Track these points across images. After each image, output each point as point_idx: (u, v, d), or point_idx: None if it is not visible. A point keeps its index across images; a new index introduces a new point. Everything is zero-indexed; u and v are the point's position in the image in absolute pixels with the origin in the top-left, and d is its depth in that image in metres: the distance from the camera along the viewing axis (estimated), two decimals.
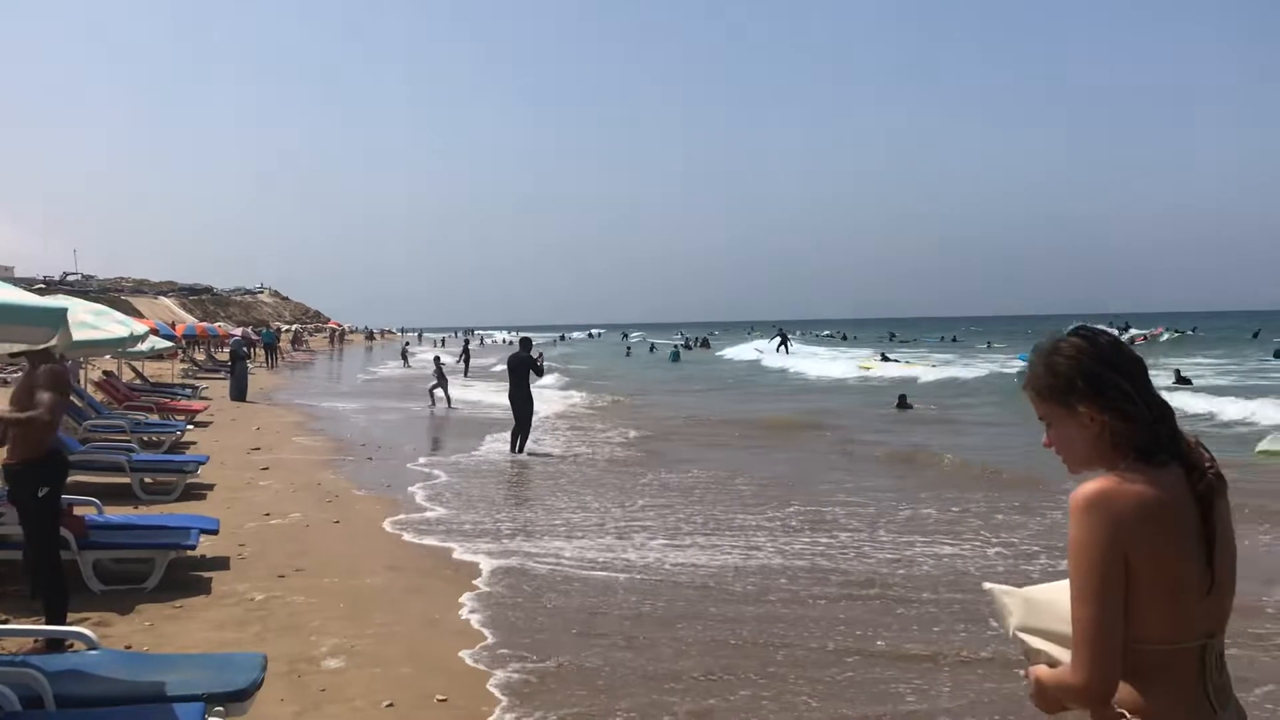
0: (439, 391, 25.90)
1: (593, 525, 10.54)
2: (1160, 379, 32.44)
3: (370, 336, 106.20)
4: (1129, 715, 2.05)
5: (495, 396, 24.79)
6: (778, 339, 62.14)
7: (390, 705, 5.47)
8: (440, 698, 5.59)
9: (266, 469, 14.14)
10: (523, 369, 16.90)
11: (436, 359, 28.37)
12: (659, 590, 7.99)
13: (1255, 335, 67.05)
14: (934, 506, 11.58)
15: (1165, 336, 67.54)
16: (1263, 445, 15.85)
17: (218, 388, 28.99)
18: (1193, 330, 78.39)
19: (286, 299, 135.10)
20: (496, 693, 5.68)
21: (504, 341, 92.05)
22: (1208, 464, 2.10)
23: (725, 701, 5.61)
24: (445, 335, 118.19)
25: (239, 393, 26.64)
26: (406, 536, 9.79)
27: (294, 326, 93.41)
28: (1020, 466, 13.93)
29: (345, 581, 8.09)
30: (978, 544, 9.64)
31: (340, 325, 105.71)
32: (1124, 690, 2.06)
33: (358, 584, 8.04)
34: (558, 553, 9.26)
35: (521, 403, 16.74)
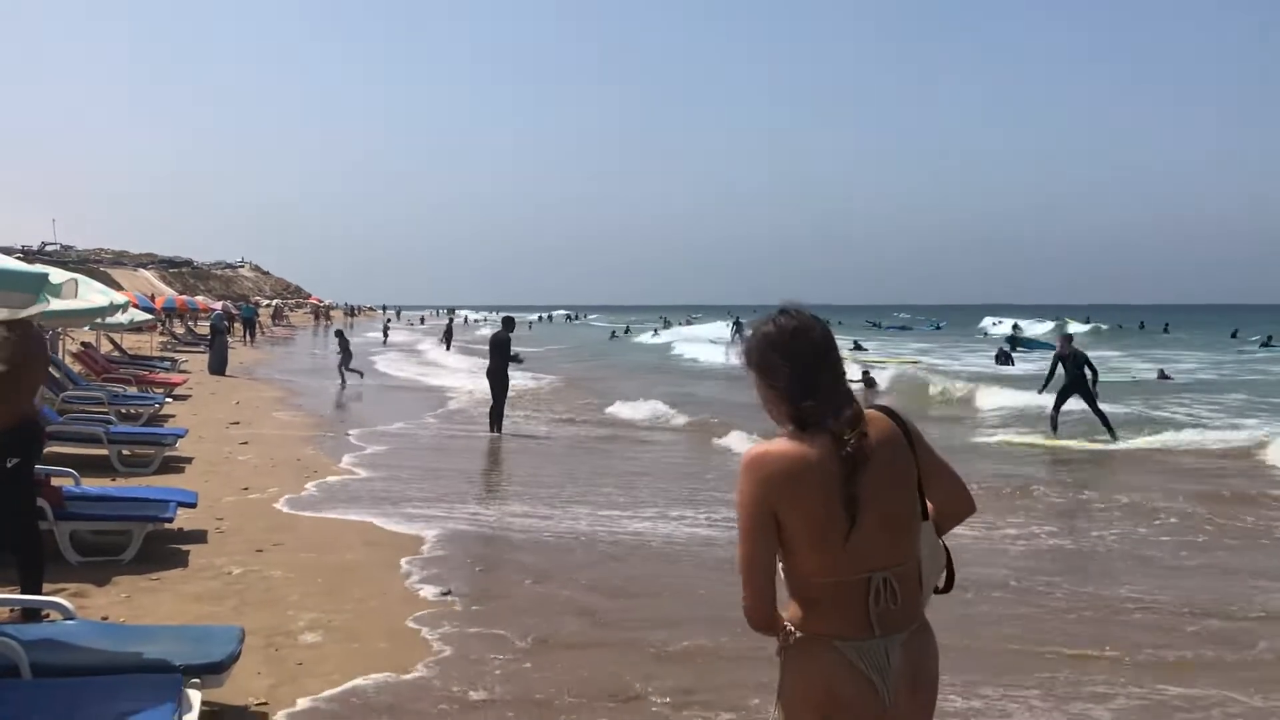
0: (348, 370, 25.42)
1: (571, 499, 10.57)
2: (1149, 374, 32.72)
3: (350, 313, 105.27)
4: (795, 630, 2.47)
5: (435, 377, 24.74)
6: (733, 327, 61.75)
7: (366, 680, 5.47)
8: (418, 673, 5.61)
9: (245, 443, 14.10)
10: (502, 349, 16.90)
11: (339, 333, 28.23)
12: (641, 558, 8.03)
13: (1234, 335, 67.56)
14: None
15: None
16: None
17: (197, 361, 28.88)
18: (1162, 327, 78.97)
19: (267, 274, 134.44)
20: (474, 668, 5.70)
21: (473, 321, 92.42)
22: (851, 437, 2.43)
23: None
24: (425, 313, 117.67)
25: (218, 366, 26.53)
26: (384, 514, 9.80)
27: (274, 302, 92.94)
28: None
29: (323, 557, 8.09)
30: None
31: (321, 301, 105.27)
32: (794, 610, 2.49)
33: (336, 559, 8.04)
34: (537, 528, 9.30)
35: (498, 382, 16.75)
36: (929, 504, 2.60)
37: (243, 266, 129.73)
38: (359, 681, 5.45)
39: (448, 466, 13.18)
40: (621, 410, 19.83)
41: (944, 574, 2.68)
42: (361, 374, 25.58)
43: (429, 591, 7.21)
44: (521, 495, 11.15)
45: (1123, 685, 5.63)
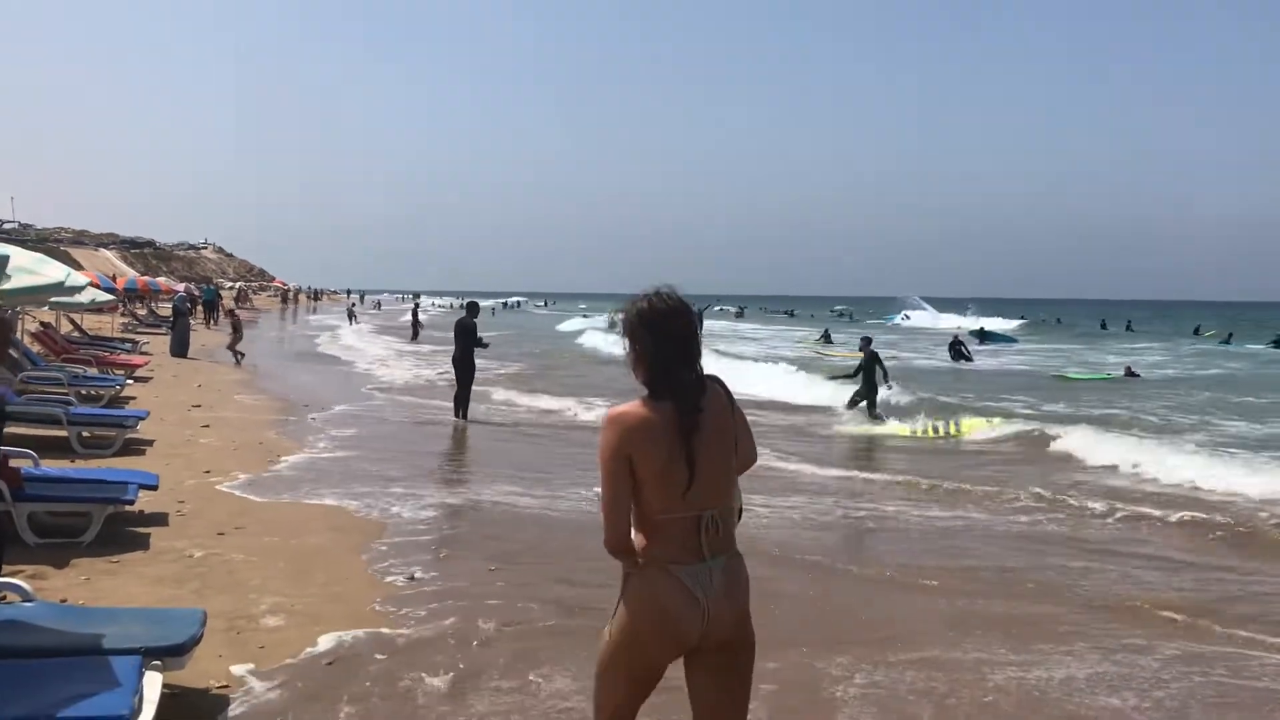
0: (235, 352, 25.85)
1: (538, 484, 10.56)
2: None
3: (314, 297, 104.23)
4: (640, 557, 3.05)
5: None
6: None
7: (330, 664, 5.47)
8: (380, 657, 5.60)
9: (208, 426, 13.97)
10: (468, 334, 16.82)
11: (231, 312, 28.40)
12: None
13: (1196, 331, 68.45)
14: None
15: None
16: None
17: (159, 343, 28.53)
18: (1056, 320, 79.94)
19: (231, 256, 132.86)
20: (439, 653, 5.69)
21: (442, 307, 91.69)
22: (691, 404, 3.00)
23: None
24: (380, 297, 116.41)
25: (180, 349, 26.25)
26: (348, 498, 9.74)
27: (238, 284, 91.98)
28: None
29: (286, 541, 8.04)
30: None
31: (287, 285, 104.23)
32: (640, 541, 3.06)
33: (299, 543, 7.99)
34: (504, 513, 9.29)
35: (463, 368, 16.67)
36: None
37: (206, 248, 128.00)
38: (322, 665, 5.44)
39: (413, 451, 13.13)
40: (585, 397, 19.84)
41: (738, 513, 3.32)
42: (243, 356, 25.76)
43: (394, 576, 7.19)
44: (488, 480, 11.12)
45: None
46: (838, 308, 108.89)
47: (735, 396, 3.23)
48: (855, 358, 20.66)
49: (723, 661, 3.12)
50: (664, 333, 3.07)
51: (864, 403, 18.19)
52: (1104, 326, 74.11)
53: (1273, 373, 34.27)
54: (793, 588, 7.28)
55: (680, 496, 3.00)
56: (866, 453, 15.03)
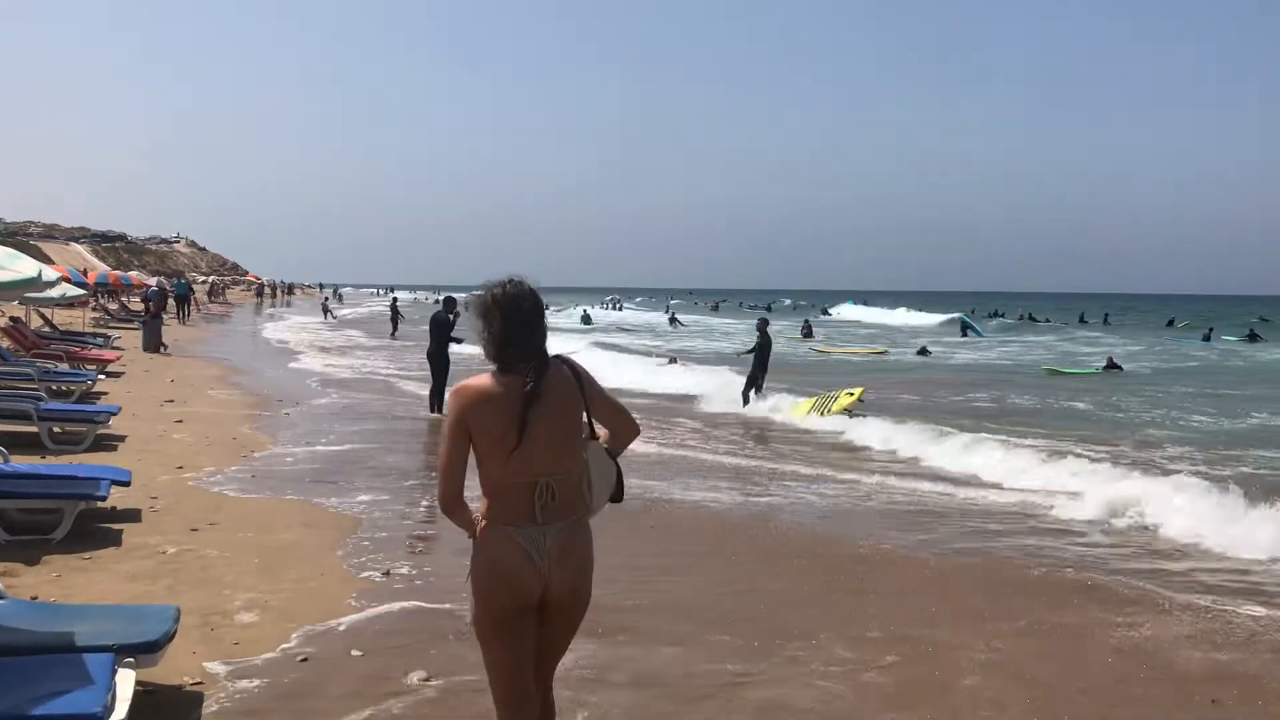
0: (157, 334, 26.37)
1: None
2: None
3: (288, 291, 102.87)
4: (481, 517, 3.32)
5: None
6: (583, 311, 62.15)
7: (304, 660, 5.45)
8: (356, 653, 5.58)
9: (181, 421, 13.87)
10: (443, 329, 16.75)
11: (145, 299, 28.66)
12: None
13: (1170, 324, 69.00)
14: None
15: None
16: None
17: (131, 338, 28.28)
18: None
19: (204, 250, 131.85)
20: (415, 649, 5.67)
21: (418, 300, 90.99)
22: (531, 378, 3.26)
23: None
24: (340, 290, 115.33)
25: (152, 343, 26.05)
26: (322, 493, 9.70)
27: (211, 278, 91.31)
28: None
29: (260, 536, 8.00)
30: None
31: (259, 278, 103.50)
32: (483, 505, 3.32)
33: (273, 539, 7.95)
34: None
35: (439, 363, 16.62)
36: (601, 430, 3.51)
37: (178, 241, 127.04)
38: (296, 661, 5.42)
39: (389, 446, 13.07)
40: None
41: (616, 486, 3.53)
42: (165, 348, 26.18)
43: (369, 571, 7.17)
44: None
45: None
46: (786, 301, 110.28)
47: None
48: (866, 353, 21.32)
49: (557, 620, 3.41)
50: (513, 315, 3.35)
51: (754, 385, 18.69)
52: (1083, 320, 74.68)
53: (1241, 364, 34.69)
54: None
55: (517, 463, 3.25)
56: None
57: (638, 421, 3.63)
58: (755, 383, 18.78)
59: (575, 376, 3.42)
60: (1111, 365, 30.50)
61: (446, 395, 3.18)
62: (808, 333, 46.87)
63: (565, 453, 3.34)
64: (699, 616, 6.49)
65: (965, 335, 51.25)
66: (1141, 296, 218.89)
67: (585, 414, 3.44)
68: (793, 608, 6.75)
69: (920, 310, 76.64)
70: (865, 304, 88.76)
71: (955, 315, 63.33)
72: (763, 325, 19.61)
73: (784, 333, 42.58)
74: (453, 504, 3.32)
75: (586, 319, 56.59)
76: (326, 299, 66.99)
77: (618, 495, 3.56)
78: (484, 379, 3.32)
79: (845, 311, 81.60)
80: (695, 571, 7.65)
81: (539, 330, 3.39)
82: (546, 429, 3.27)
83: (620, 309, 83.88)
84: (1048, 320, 72.21)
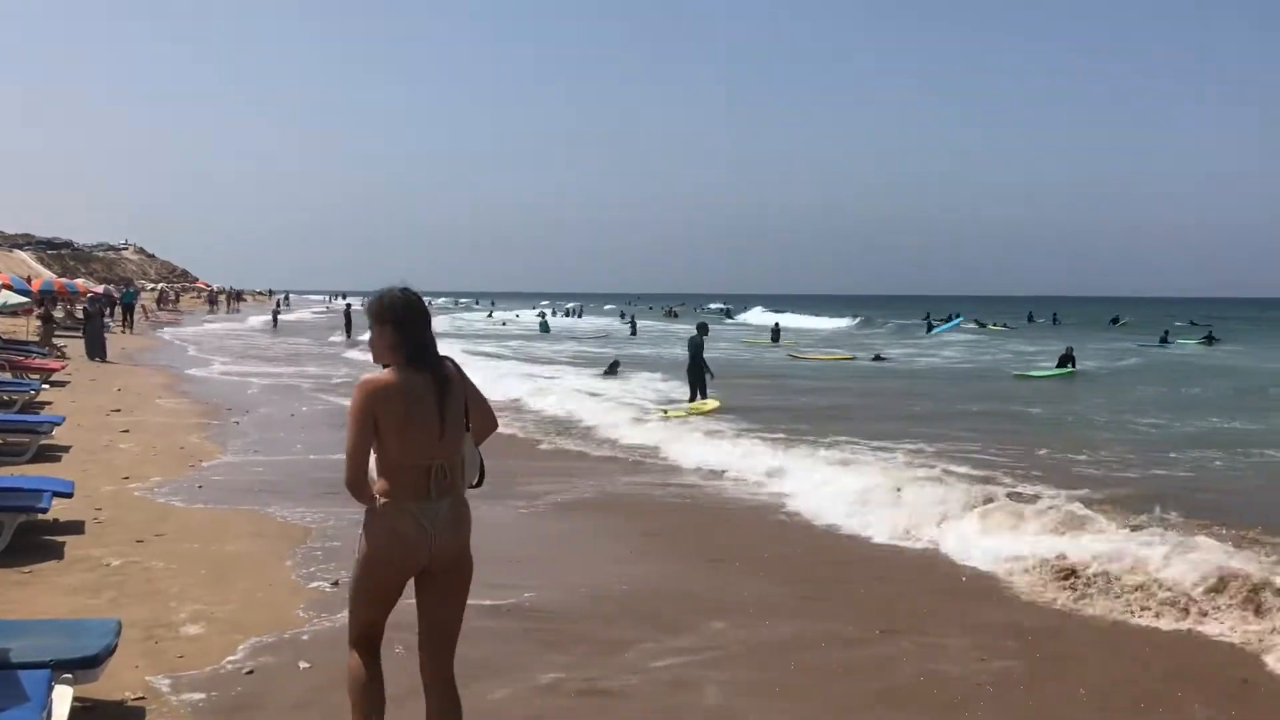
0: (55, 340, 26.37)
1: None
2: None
3: (238, 298, 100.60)
4: (380, 497, 3.75)
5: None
6: (542, 314, 61.52)
7: (250, 673, 5.35)
8: (304, 664, 5.49)
9: (127, 431, 13.65)
10: None
11: (40, 303, 28.45)
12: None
13: (1114, 322, 70.09)
14: None
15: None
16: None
17: (77, 347, 27.78)
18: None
19: (152, 257, 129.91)
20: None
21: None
22: (435, 374, 3.77)
23: None
24: (288, 296, 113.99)
25: (95, 351, 25.60)
26: (271, 503, 9.54)
27: (159, 285, 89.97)
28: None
29: (207, 547, 7.86)
30: None
31: (210, 285, 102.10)
32: (382, 484, 3.75)
33: (221, 550, 7.82)
34: None
35: None
36: (470, 424, 3.95)
37: (126, 249, 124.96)
38: (243, 674, 5.32)
39: (338, 456, 12.88)
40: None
41: (478, 474, 4.00)
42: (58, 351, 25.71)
43: (319, 581, 7.06)
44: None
45: None
46: (714, 305, 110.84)
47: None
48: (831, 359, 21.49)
49: (446, 582, 3.87)
50: (406, 316, 3.80)
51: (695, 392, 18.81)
52: (1031, 319, 75.84)
53: (1199, 363, 35.09)
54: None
55: (415, 448, 3.72)
56: None
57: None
58: (699, 389, 18.89)
59: (459, 372, 3.93)
60: (1068, 356, 30.32)
61: (356, 386, 3.59)
62: (775, 337, 47.17)
63: (455, 439, 3.83)
64: None
65: (929, 334, 51.62)
66: (1090, 300, 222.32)
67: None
68: None
69: (822, 315, 76.69)
70: (777, 310, 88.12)
71: (858, 317, 63.22)
72: (702, 332, 19.76)
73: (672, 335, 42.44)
74: (360, 484, 3.75)
75: (544, 327, 55.23)
76: (279, 304, 66.20)
77: (480, 481, 4.02)
78: (387, 374, 3.75)
79: (751, 317, 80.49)
80: None
81: (429, 332, 3.86)
82: (446, 418, 3.78)
83: (580, 315, 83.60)
84: (1006, 325, 73.02)
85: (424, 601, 3.92)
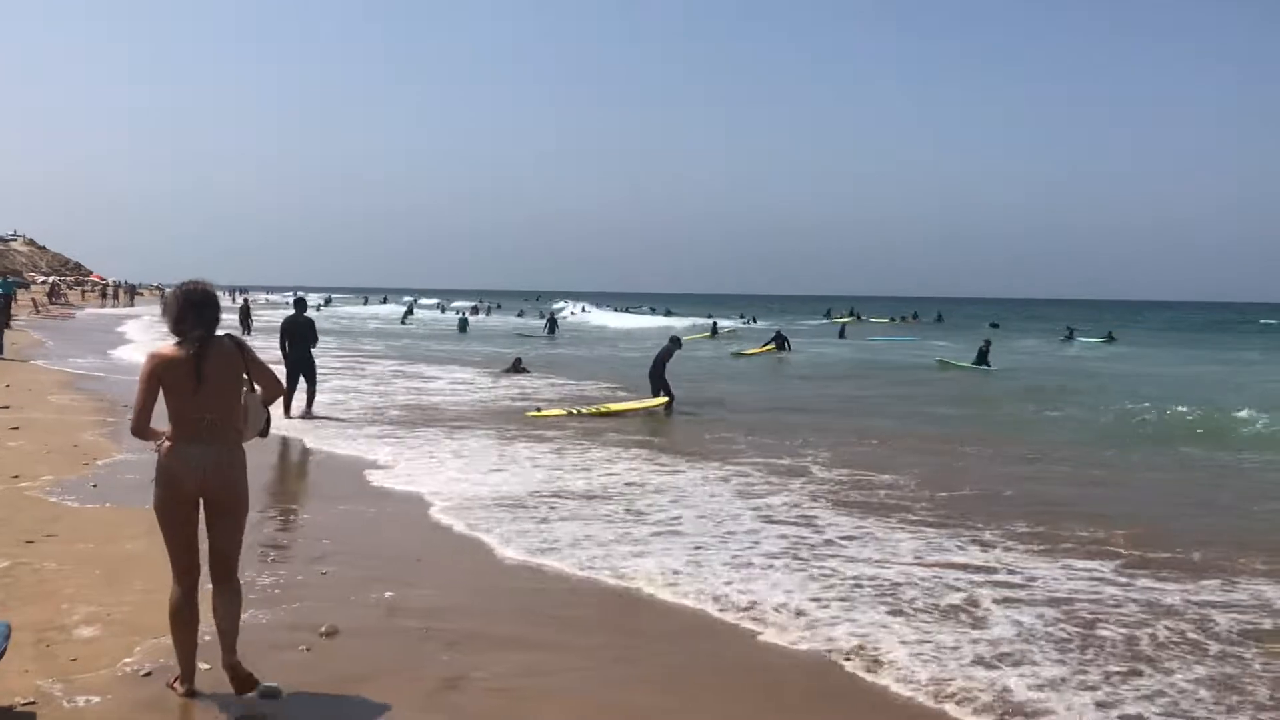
0: None
1: (369, 483, 10.36)
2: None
3: (130, 293, 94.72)
4: (166, 440, 4.81)
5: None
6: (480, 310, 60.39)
7: (148, 674, 5.23)
8: (204, 665, 5.38)
9: (17, 429, 13.18)
10: (301, 330, 16.36)
11: None
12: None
13: (993, 325, 71.72)
14: None
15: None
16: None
17: None
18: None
19: (44, 249, 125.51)
20: (264, 660, 5.50)
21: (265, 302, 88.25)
22: (196, 347, 4.77)
23: None
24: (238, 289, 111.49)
25: None
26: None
27: (51, 278, 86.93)
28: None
29: (102, 547, 7.66)
30: None
31: (106, 279, 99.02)
32: (169, 430, 4.81)
33: (117, 549, 7.63)
34: (333, 512, 9.07)
35: (306, 366, 16.25)
36: (259, 387, 5.04)
37: (15, 240, 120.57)
38: (139, 676, 5.21)
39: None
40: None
41: (264, 426, 5.12)
42: None
43: None
44: (317, 482, 10.85)
45: None
46: (646, 307, 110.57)
47: None
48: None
49: (217, 510, 4.93)
50: (190, 303, 4.87)
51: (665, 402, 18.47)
52: (915, 316, 78.32)
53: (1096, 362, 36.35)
54: None
55: (189, 405, 4.77)
56: None
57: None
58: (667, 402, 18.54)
59: (238, 347, 4.99)
60: (981, 355, 31.15)
61: (143, 357, 4.95)
62: (714, 332, 49.17)
63: (225, 399, 4.85)
64: None
65: (843, 337, 52.34)
66: (968, 300, 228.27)
67: (246, 374, 4.96)
68: None
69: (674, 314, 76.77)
70: (595, 307, 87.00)
71: (710, 319, 62.55)
72: (675, 345, 19.69)
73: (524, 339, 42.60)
74: (143, 429, 4.85)
75: (463, 325, 53.76)
76: (247, 301, 57.42)
77: (265, 432, 5.15)
78: (169, 346, 4.85)
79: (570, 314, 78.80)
80: None
81: (205, 315, 4.85)
82: (212, 382, 4.80)
83: (489, 314, 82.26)
84: (901, 319, 74.74)
85: (208, 525, 4.95)
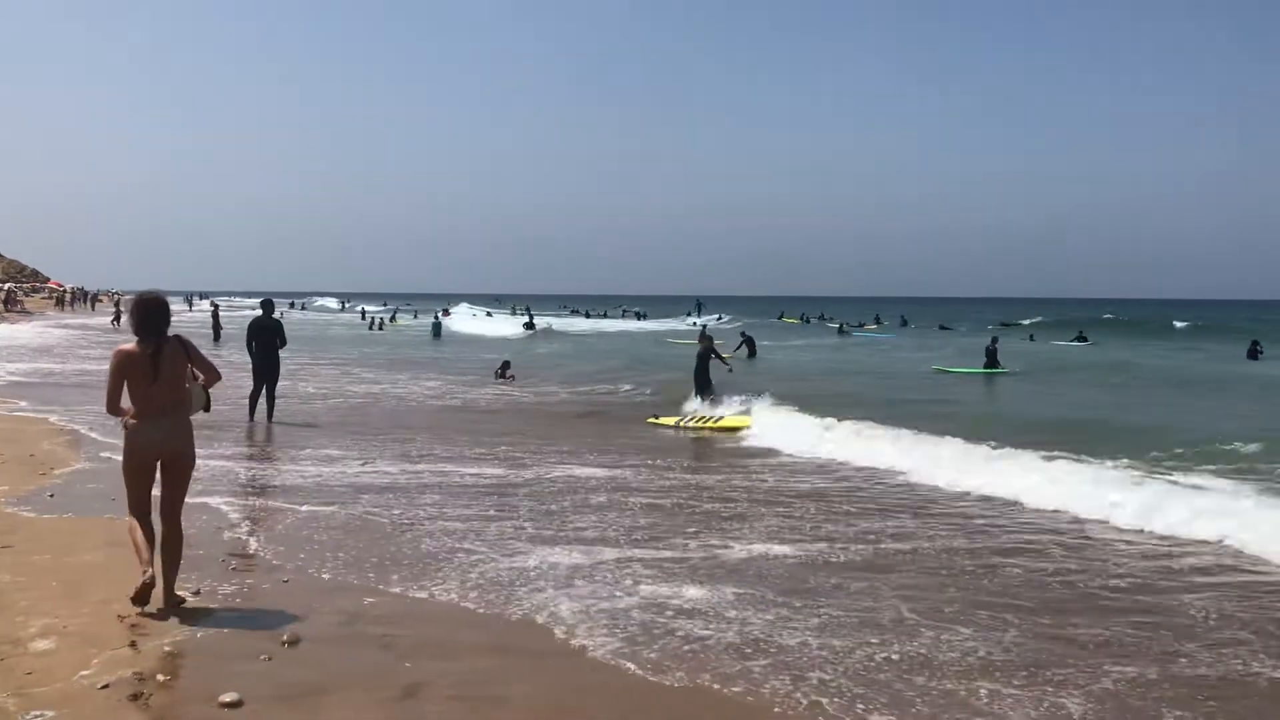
0: None
1: (331, 488, 10.31)
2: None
3: (89, 299, 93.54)
4: (132, 419, 6.29)
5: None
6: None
7: (105, 687, 5.17)
8: (162, 677, 5.34)
9: None
10: (268, 333, 16.28)
11: None
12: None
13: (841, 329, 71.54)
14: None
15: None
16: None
17: None
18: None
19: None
20: (226, 669, 5.47)
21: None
22: (153, 346, 6.29)
23: None
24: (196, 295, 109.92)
25: None
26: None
27: (6, 285, 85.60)
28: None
29: (60, 559, 7.56)
30: None
31: (63, 285, 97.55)
32: (134, 410, 6.30)
33: (75, 560, 7.53)
34: (294, 520, 9.01)
35: (270, 370, 16.17)
36: (200, 375, 6.53)
37: None
38: (96, 689, 5.15)
39: (203, 458, 12.52)
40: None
41: (205, 405, 6.65)
42: None
43: (179, 591, 6.84)
44: (282, 487, 10.77)
45: None
46: (624, 307, 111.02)
47: None
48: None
49: (171, 469, 6.44)
50: (145, 309, 6.34)
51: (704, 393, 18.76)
52: (878, 320, 78.70)
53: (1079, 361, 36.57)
54: None
55: (148, 391, 6.24)
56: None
57: None
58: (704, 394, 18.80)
59: (183, 346, 6.44)
60: (994, 347, 31.03)
61: (111, 353, 6.11)
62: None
63: (175, 386, 6.34)
64: None
65: (841, 335, 52.41)
66: (935, 300, 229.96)
67: (190, 367, 6.41)
68: None
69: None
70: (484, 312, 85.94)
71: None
72: (703, 337, 20.53)
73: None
74: (114, 410, 6.34)
75: (436, 330, 52.55)
76: (118, 303, 56.72)
77: (207, 408, 6.72)
78: (130, 345, 6.32)
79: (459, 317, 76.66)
80: None
81: (159, 320, 6.33)
82: (165, 375, 6.27)
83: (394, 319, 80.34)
84: (867, 323, 74.98)
85: (162, 480, 6.43)
